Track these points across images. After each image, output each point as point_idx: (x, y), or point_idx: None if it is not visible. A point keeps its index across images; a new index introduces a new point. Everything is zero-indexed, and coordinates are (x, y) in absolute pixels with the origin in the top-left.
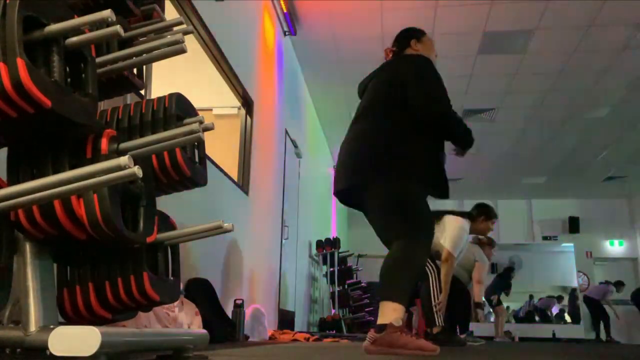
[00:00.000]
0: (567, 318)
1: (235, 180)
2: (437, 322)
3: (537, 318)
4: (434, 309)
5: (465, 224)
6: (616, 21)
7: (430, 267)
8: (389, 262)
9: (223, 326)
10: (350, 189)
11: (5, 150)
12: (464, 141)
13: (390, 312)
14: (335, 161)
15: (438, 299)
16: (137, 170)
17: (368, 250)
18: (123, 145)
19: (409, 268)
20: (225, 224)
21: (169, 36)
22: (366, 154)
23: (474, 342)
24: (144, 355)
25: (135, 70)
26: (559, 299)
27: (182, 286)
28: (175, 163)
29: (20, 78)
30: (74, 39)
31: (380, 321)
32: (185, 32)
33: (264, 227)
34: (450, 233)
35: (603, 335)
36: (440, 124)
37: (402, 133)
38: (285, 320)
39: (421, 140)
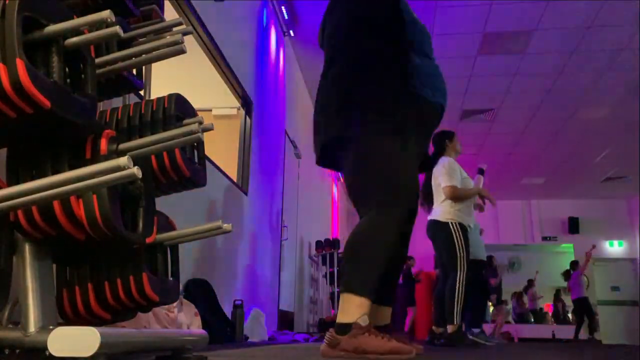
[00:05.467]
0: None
1: (235, 180)
2: (454, 320)
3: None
4: (455, 307)
5: (447, 159)
6: (616, 21)
7: (460, 261)
8: (351, 242)
9: (222, 327)
10: (323, 150)
11: (4, 150)
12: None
13: (353, 308)
14: None
15: (462, 296)
16: (136, 170)
17: None
18: (122, 145)
19: (375, 250)
20: (224, 225)
21: (168, 37)
22: (331, 102)
23: (486, 342)
24: (143, 356)
25: (134, 71)
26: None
27: (181, 287)
28: (175, 163)
29: (20, 79)
30: (74, 39)
31: (341, 319)
32: (185, 33)
33: (264, 227)
34: (440, 173)
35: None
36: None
37: (368, 68)
38: (285, 320)
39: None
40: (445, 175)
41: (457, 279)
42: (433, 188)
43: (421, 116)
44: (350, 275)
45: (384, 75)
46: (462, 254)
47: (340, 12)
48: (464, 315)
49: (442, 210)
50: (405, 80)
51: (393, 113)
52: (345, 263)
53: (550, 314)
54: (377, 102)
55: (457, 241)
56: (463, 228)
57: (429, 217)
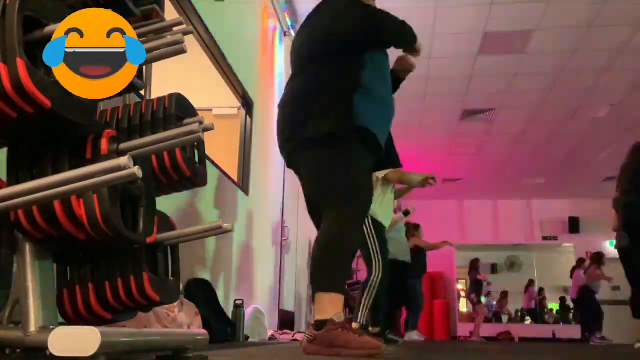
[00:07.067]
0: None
1: (235, 180)
2: (359, 318)
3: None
4: (362, 306)
5: None
6: (616, 21)
7: (375, 258)
8: (319, 246)
9: (223, 326)
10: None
11: (5, 150)
12: (400, 39)
13: (328, 306)
14: None
15: (370, 297)
16: (137, 170)
17: None
18: (123, 145)
19: (342, 250)
20: (225, 224)
21: (168, 36)
22: (292, 112)
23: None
24: (144, 356)
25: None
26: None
27: (181, 286)
28: (175, 163)
29: (20, 78)
30: None
31: (318, 317)
32: (185, 33)
33: (265, 227)
34: None
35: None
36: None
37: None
38: (285, 320)
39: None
40: None
41: (371, 280)
42: None
43: (365, 141)
44: (321, 276)
45: (331, 106)
46: (375, 250)
47: (315, 26)
48: (377, 315)
49: None
50: (350, 113)
51: (340, 141)
52: (315, 266)
53: (552, 313)
54: (327, 131)
55: (370, 237)
56: (376, 224)
57: None
